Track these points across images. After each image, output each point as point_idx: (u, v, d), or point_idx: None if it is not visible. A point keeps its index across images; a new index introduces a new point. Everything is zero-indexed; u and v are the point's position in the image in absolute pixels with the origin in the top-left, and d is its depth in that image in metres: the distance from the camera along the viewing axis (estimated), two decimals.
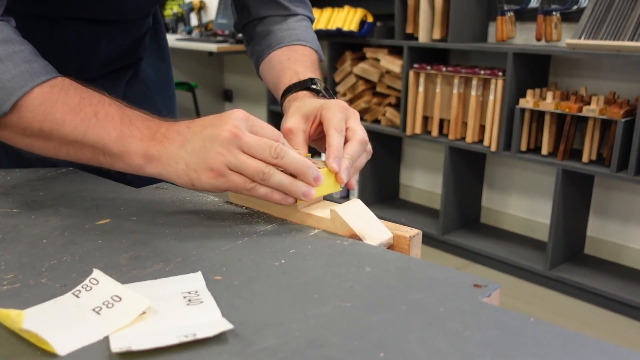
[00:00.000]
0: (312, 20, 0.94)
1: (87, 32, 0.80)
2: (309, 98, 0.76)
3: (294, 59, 0.84)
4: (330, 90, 0.79)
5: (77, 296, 0.43)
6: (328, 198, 0.62)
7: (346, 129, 0.66)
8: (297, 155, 0.58)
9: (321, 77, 0.82)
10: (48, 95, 0.61)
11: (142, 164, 0.60)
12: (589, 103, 2.20)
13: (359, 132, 0.66)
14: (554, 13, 2.35)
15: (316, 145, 0.73)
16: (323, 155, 0.66)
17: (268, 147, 0.57)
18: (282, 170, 0.58)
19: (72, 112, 0.60)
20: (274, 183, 0.58)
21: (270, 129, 0.60)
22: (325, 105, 0.68)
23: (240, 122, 0.58)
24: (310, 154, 0.67)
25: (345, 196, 3.19)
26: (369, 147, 0.68)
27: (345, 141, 0.66)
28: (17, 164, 0.82)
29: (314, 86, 0.78)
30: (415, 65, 2.66)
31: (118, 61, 0.90)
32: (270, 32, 0.89)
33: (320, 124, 0.68)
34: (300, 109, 0.70)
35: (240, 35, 3.65)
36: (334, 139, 0.64)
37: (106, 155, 0.61)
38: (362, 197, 2.95)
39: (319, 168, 0.60)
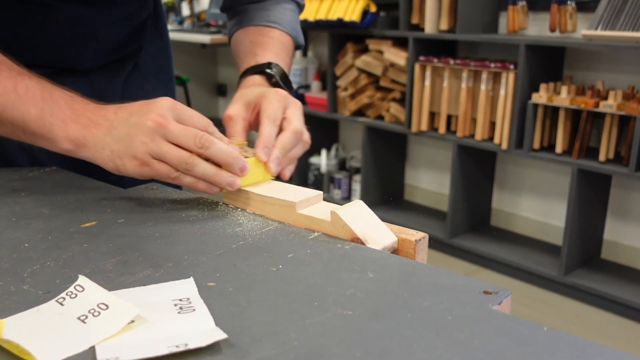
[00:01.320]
0: (299, 5, 0.96)
1: (82, 16, 0.80)
2: (259, 84, 0.79)
3: (256, 42, 0.87)
4: (287, 77, 0.83)
5: (61, 304, 0.43)
6: (328, 199, 0.62)
7: (283, 118, 0.69)
8: (222, 146, 0.61)
9: (286, 63, 0.85)
10: None
11: (71, 149, 0.64)
12: (606, 98, 2.20)
13: (294, 122, 0.69)
14: (569, 2, 2.35)
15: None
16: None
17: (193, 136, 0.60)
18: (209, 161, 0.61)
19: None
20: (198, 173, 0.61)
21: (199, 117, 0.63)
22: (264, 94, 0.71)
23: (167, 110, 0.61)
24: (247, 142, 0.70)
25: (347, 197, 3.20)
26: (306, 137, 0.71)
27: (281, 131, 0.69)
28: (1, 164, 0.82)
29: (268, 70, 0.81)
30: (421, 58, 2.66)
31: (117, 51, 0.89)
32: (244, 10, 0.92)
33: (258, 112, 0.71)
34: (243, 97, 0.73)
35: None
36: (264, 128, 0.67)
37: (27, 133, 0.64)
38: (365, 198, 2.96)
39: (248, 157, 0.64)
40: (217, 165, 0.62)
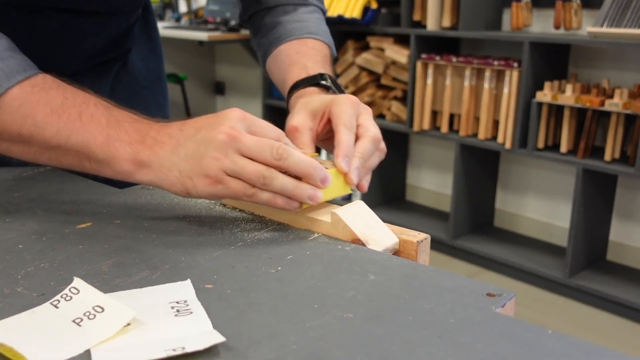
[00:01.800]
0: (324, 12, 0.93)
1: (71, 23, 0.80)
2: (318, 94, 0.75)
3: (303, 53, 0.83)
4: (341, 87, 0.78)
5: (55, 306, 0.43)
6: (329, 200, 0.62)
7: (357, 126, 0.65)
8: (301, 155, 0.57)
9: (332, 73, 0.82)
10: (28, 96, 0.60)
11: (131, 171, 0.59)
12: (611, 96, 2.20)
13: (372, 129, 0.66)
14: None
15: (324, 145, 0.72)
16: (331, 155, 0.65)
17: (269, 147, 0.56)
18: (285, 173, 0.57)
19: (54, 114, 0.59)
20: (276, 187, 0.56)
21: (271, 127, 0.59)
22: (334, 101, 0.67)
23: (238, 122, 0.57)
24: (317, 154, 0.66)
25: (348, 198, 3.19)
26: (382, 145, 0.67)
27: (356, 139, 0.65)
28: None
29: (323, 82, 0.77)
30: (423, 56, 2.66)
31: (105, 53, 0.90)
32: (279, 23, 0.87)
33: (329, 121, 0.67)
34: (307, 106, 0.69)
35: (233, 23, 3.64)
36: (343, 136, 0.63)
37: (91, 161, 0.60)
38: (366, 198, 2.96)
39: (327, 169, 0.59)
40: (296, 178, 0.58)
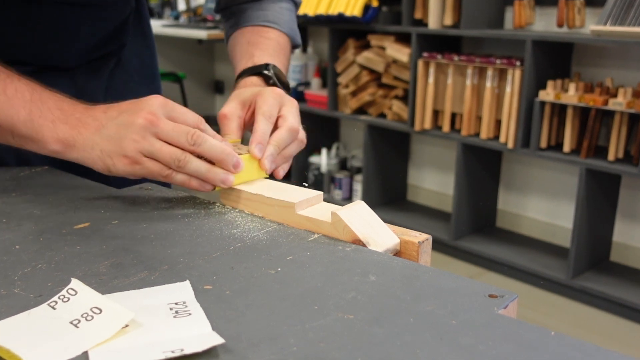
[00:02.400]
0: (296, 4, 0.96)
1: (65, 14, 0.80)
2: (256, 85, 0.80)
3: (253, 42, 0.87)
4: (284, 78, 0.83)
5: (53, 308, 0.43)
6: (329, 200, 0.63)
7: (278, 117, 0.70)
8: (215, 142, 0.62)
9: (284, 64, 0.86)
10: None
11: (58, 150, 0.64)
12: (615, 95, 2.20)
13: (290, 120, 0.70)
14: None
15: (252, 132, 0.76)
16: None
17: (185, 133, 0.61)
18: (201, 158, 0.62)
19: None
20: (190, 170, 0.62)
21: (191, 114, 0.64)
22: (260, 92, 0.72)
23: (158, 108, 0.62)
24: (240, 140, 0.71)
25: (348, 198, 3.20)
26: (302, 135, 0.72)
27: (276, 129, 0.69)
28: None
29: (265, 72, 0.81)
30: (425, 54, 2.66)
31: (100, 48, 0.90)
32: (240, 10, 0.92)
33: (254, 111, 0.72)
34: (238, 96, 0.74)
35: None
36: (259, 125, 0.68)
37: (15, 136, 0.64)
38: (367, 198, 2.96)
39: (242, 154, 0.65)
40: (210, 162, 0.63)
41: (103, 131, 0.62)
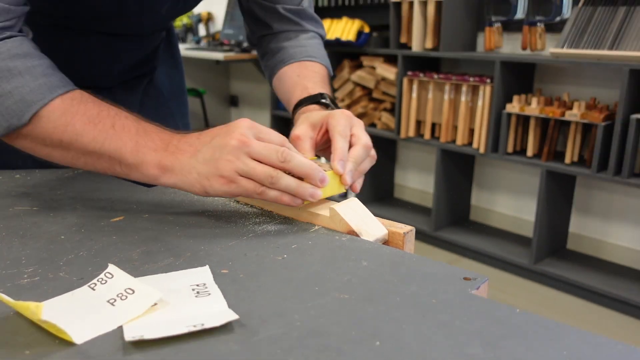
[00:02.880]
0: (322, 38, 0.93)
1: (109, 43, 0.81)
2: (317, 110, 0.75)
3: (303, 75, 0.83)
4: (337, 104, 0.79)
5: (92, 289, 0.43)
6: (328, 197, 0.62)
7: (351, 135, 0.66)
8: (303, 159, 0.58)
9: (330, 91, 0.82)
10: (68, 107, 0.60)
11: (156, 175, 0.59)
12: (571, 108, 2.20)
13: (363, 138, 0.66)
14: (539, 24, 2.35)
15: (323, 154, 0.72)
16: (329, 161, 0.66)
17: (275, 151, 0.57)
18: (289, 174, 0.58)
19: (91, 123, 0.60)
20: (282, 186, 0.57)
21: (275, 134, 0.59)
22: (331, 115, 0.68)
23: (247, 130, 0.57)
24: (317, 157, 0.67)
25: (344, 195, 3.19)
26: (373, 152, 0.68)
27: (350, 147, 0.65)
28: (41, 165, 0.82)
29: (322, 100, 0.78)
30: (409, 73, 2.66)
31: (135, 70, 0.90)
32: (282, 48, 0.88)
33: (327, 132, 0.68)
34: (308, 119, 0.70)
35: (246, 45, 3.63)
36: (338, 143, 0.64)
37: (122, 165, 0.60)
38: (359, 196, 2.95)
39: (325, 171, 0.60)
40: (298, 178, 0.59)
41: (199, 155, 0.58)
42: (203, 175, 0.57)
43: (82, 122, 0.60)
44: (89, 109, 0.61)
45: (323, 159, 0.68)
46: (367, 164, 0.67)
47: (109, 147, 0.59)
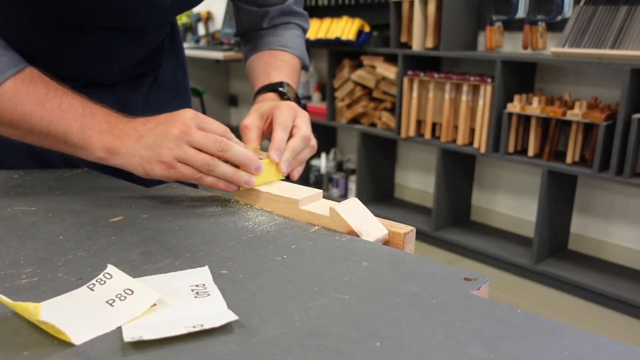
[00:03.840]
0: (305, 30, 0.96)
1: (110, 40, 0.80)
2: (273, 99, 0.79)
3: (270, 64, 0.87)
4: (297, 95, 0.83)
5: (91, 289, 0.43)
6: (327, 197, 0.63)
7: (293, 126, 0.70)
8: (240, 149, 0.62)
9: (295, 81, 0.86)
10: (19, 88, 0.63)
11: (102, 157, 0.64)
12: (572, 108, 2.20)
13: (303, 129, 0.69)
14: (540, 23, 2.35)
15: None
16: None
17: (214, 141, 0.61)
18: (227, 162, 0.62)
19: (39, 104, 0.64)
20: (219, 173, 0.61)
21: (217, 124, 0.64)
22: (277, 106, 0.71)
23: (190, 119, 0.62)
24: (260, 147, 0.71)
25: (344, 195, 3.19)
26: (313, 142, 0.71)
27: (291, 137, 0.69)
28: (40, 165, 0.82)
29: (280, 89, 0.81)
30: (409, 72, 2.66)
31: (138, 67, 0.90)
32: (259, 36, 0.92)
33: (271, 122, 0.71)
34: (258, 109, 0.74)
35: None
36: (277, 134, 0.68)
37: (68, 145, 0.64)
38: (360, 196, 2.95)
39: (262, 159, 0.65)
40: (235, 166, 0.63)
41: (143, 140, 0.62)
42: (145, 159, 0.62)
43: (31, 102, 0.63)
44: (38, 89, 0.64)
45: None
46: (307, 154, 0.71)
47: (55, 128, 0.64)
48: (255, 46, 0.91)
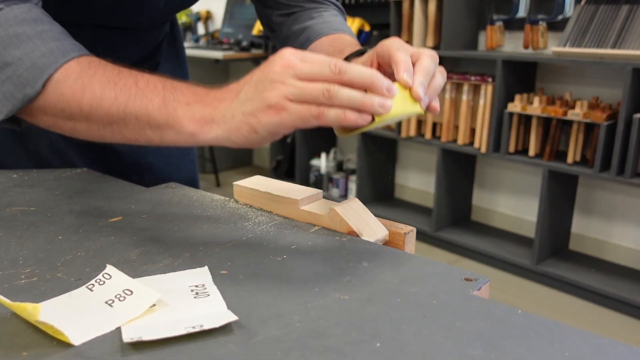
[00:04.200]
0: (344, 14, 0.88)
1: (106, 38, 0.79)
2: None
3: (336, 45, 0.76)
4: None
5: (90, 290, 0.43)
6: (327, 197, 0.62)
7: (411, 54, 0.56)
8: (361, 67, 0.49)
9: None
10: (85, 69, 0.54)
11: (194, 130, 0.51)
12: (573, 107, 2.20)
13: (425, 50, 0.55)
14: (541, 22, 2.35)
15: None
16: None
17: (327, 64, 0.48)
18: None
19: (110, 83, 0.53)
20: (344, 100, 0.48)
21: (324, 56, 0.51)
22: (379, 45, 0.59)
23: (290, 55, 0.50)
24: None
25: (344, 195, 3.19)
26: (441, 68, 0.57)
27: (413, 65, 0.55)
28: (36, 165, 0.82)
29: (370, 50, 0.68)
30: None
31: (136, 66, 0.89)
32: (307, 27, 0.83)
33: (380, 66, 0.59)
34: (358, 60, 0.63)
35: (244, 43, 3.60)
36: (400, 56, 0.54)
37: (152, 127, 0.52)
38: (360, 196, 2.95)
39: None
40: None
41: (241, 96, 0.50)
42: (248, 114, 0.49)
43: (101, 83, 0.54)
44: (108, 70, 0.55)
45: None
46: (440, 79, 0.56)
47: (132, 107, 0.52)
48: (309, 37, 0.81)
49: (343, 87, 0.48)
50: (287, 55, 0.49)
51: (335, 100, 0.48)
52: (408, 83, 0.52)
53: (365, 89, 0.49)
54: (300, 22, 0.84)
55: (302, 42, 0.81)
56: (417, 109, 0.52)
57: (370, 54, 0.60)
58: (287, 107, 0.48)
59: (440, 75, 0.56)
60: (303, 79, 0.48)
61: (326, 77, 0.48)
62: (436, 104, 0.55)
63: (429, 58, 0.54)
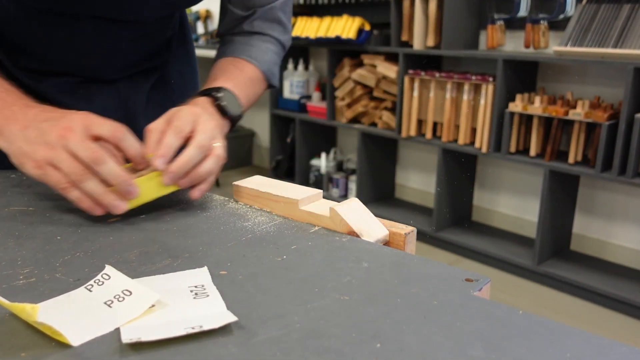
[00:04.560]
0: (284, 48, 0.90)
1: (107, 30, 0.78)
2: (200, 104, 0.72)
3: (224, 70, 0.81)
4: (235, 107, 0.74)
5: (89, 290, 0.43)
6: (327, 197, 0.62)
7: (192, 132, 0.62)
8: (114, 167, 0.57)
9: (247, 92, 0.79)
10: None
11: None
12: (574, 107, 2.20)
13: (199, 137, 0.61)
14: (542, 22, 2.35)
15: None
16: None
17: (89, 151, 0.56)
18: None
19: None
20: (86, 188, 0.57)
21: (111, 125, 0.58)
22: (179, 108, 0.65)
23: (77, 122, 0.58)
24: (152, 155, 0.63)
25: (344, 195, 3.19)
26: (218, 151, 0.63)
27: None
28: None
29: (215, 93, 0.73)
30: (410, 71, 2.66)
31: (142, 63, 0.88)
32: (232, 41, 0.88)
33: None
34: (169, 112, 0.67)
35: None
36: (166, 138, 0.60)
37: None
38: (360, 196, 2.95)
39: (145, 175, 0.59)
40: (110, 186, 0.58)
41: (26, 132, 0.59)
42: (21, 152, 0.59)
43: None
44: None
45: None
46: (210, 165, 0.62)
47: None
48: (224, 52, 0.86)
49: (92, 179, 0.56)
50: (75, 122, 0.57)
51: (80, 185, 0.56)
52: (159, 168, 0.59)
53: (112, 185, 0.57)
54: (237, 29, 0.88)
55: (219, 53, 0.88)
56: (167, 190, 0.61)
57: (174, 110, 0.65)
58: (44, 169, 0.57)
59: (213, 161, 0.62)
60: (69, 153, 0.56)
61: (85, 163, 0.56)
62: (197, 191, 0.62)
63: (193, 148, 0.60)
